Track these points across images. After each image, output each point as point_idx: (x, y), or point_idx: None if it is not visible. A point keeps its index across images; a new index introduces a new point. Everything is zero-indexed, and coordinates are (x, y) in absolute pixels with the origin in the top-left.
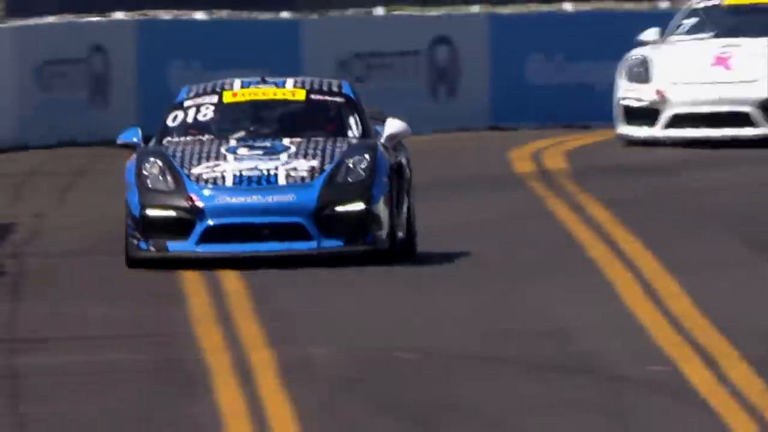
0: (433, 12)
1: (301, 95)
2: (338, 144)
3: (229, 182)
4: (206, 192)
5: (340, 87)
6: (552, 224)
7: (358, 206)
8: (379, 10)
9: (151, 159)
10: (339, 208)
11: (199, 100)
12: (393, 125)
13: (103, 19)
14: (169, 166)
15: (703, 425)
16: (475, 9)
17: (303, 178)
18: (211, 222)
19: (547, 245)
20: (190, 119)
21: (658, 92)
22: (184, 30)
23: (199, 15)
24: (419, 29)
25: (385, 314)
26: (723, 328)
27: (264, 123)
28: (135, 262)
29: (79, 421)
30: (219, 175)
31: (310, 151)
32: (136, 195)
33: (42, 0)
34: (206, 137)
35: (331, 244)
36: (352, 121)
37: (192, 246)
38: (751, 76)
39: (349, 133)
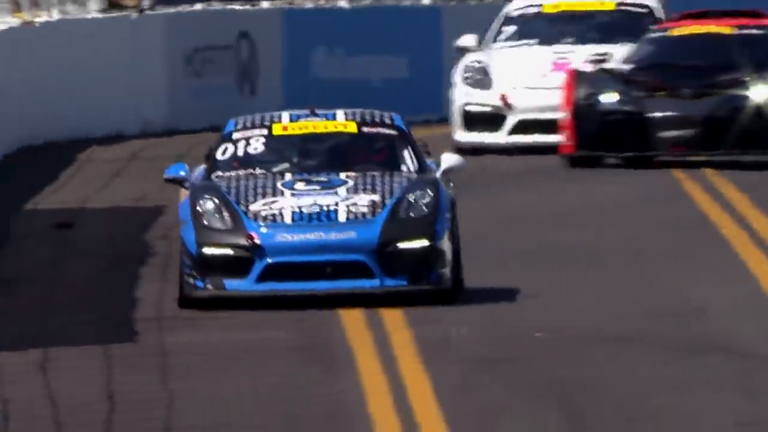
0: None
1: (352, 127)
2: (396, 178)
3: (287, 219)
4: (265, 229)
5: (391, 119)
6: (687, 205)
7: (422, 243)
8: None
9: (206, 195)
10: (402, 245)
11: (248, 133)
12: (450, 159)
13: (251, 7)
14: (225, 203)
15: None
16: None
17: (364, 214)
18: (270, 260)
19: (681, 226)
20: (240, 153)
21: (503, 98)
22: (328, 17)
23: (343, 3)
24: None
25: (520, 295)
26: None
27: (316, 156)
28: (190, 302)
29: (225, 398)
30: (277, 211)
31: (369, 186)
32: (192, 232)
33: None
34: (259, 171)
35: (395, 282)
36: (405, 154)
37: (251, 285)
38: None
39: (404, 167)
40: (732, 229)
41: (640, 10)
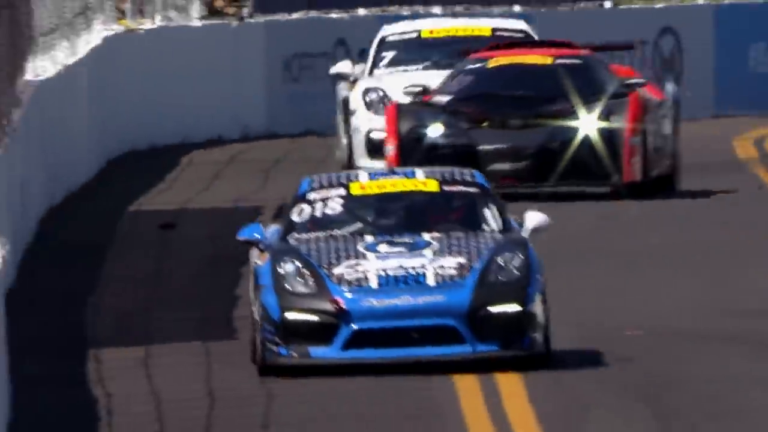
0: (660, 4)
1: (433, 186)
2: (482, 239)
3: (373, 283)
4: (350, 294)
5: (473, 176)
6: None
7: (514, 307)
8: (608, 4)
9: (287, 258)
10: (493, 309)
11: (324, 193)
12: (535, 218)
13: (346, 15)
14: (307, 266)
15: None
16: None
17: (452, 277)
18: (357, 326)
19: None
20: (317, 213)
21: None
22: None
23: (437, 9)
24: (646, 21)
25: (612, 294)
26: None
27: (397, 216)
28: (272, 369)
29: (320, 392)
30: (362, 275)
31: (455, 247)
32: (273, 297)
33: None
34: (338, 233)
35: (486, 348)
36: (488, 212)
37: (337, 352)
38: None
39: (487, 226)
40: None
41: (515, 34)
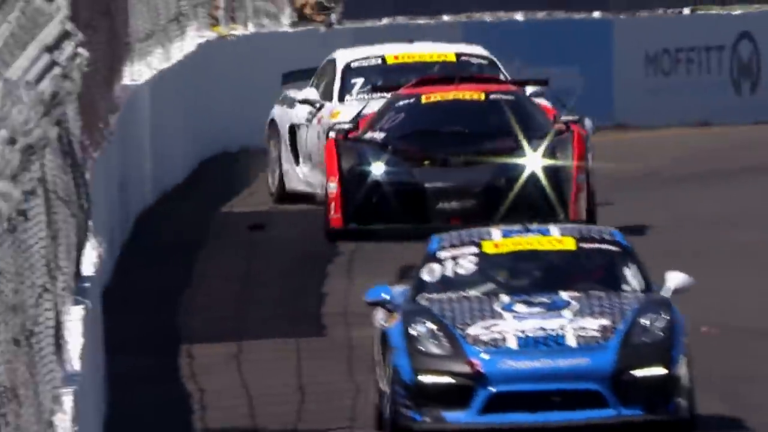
0: (737, 10)
1: (570, 244)
2: (624, 299)
3: (512, 344)
4: (487, 355)
5: (611, 234)
6: None
7: (659, 371)
8: (686, 10)
9: (420, 319)
10: (638, 373)
11: (455, 252)
12: (677, 278)
13: (432, 21)
14: (441, 327)
15: None
16: None
17: (595, 339)
18: (495, 389)
19: None
20: (449, 273)
21: None
22: (505, 30)
23: (518, 16)
24: (724, 26)
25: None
26: None
27: (533, 275)
28: None
29: None
30: (499, 336)
31: (596, 308)
32: (406, 360)
33: (377, 4)
34: (471, 293)
35: (630, 412)
36: (629, 272)
37: (474, 416)
38: None
39: (627, 286)
40: None
41: (481, 60)
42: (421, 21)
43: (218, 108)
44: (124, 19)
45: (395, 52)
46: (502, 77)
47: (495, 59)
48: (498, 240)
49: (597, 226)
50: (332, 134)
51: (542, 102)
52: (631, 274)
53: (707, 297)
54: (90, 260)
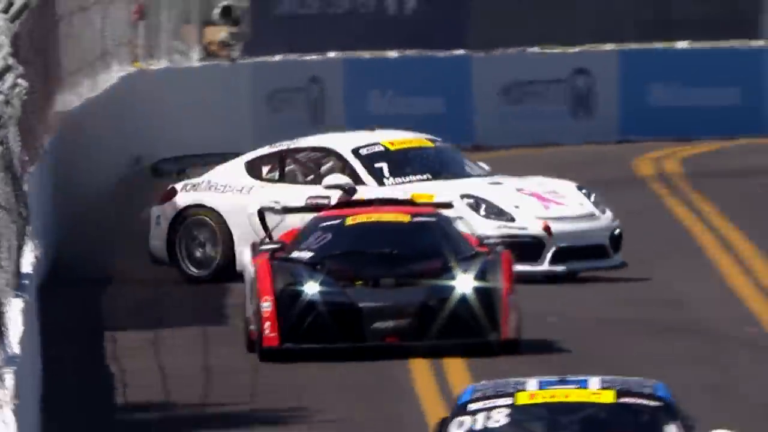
0: (575, 48)
1: (609, 397)
2: None
3: None
4: None
5: (654, 389)
6: (669, 218)
7: None
8: (533, 48)
9: None
10: None
11: (488, 403)
12: None
13: (318, 56)
14: None
15: None
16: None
17: None
18: None
19: (665, 235)
20: (478, 426)
21: None
22: (380, 65)
23: (392, 53)
24: (563, 62)
25: (539, 286)
26: None
27: (569, 430)
28: None
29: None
30: None
31: None
32: None
33: (271, 42)
34: None
35: None
36: (671, 429)
37: None
38: None
39: None
40: (707, 238)
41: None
42: (308, 57)
43: (138, 131)
44: (57, 56)
45: (389, 138)
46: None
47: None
48: (534, 390)
49: (640, 379)
50: (258, 251)
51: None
52: (672, 430)
53: (556, 289)
54: (28, 260)
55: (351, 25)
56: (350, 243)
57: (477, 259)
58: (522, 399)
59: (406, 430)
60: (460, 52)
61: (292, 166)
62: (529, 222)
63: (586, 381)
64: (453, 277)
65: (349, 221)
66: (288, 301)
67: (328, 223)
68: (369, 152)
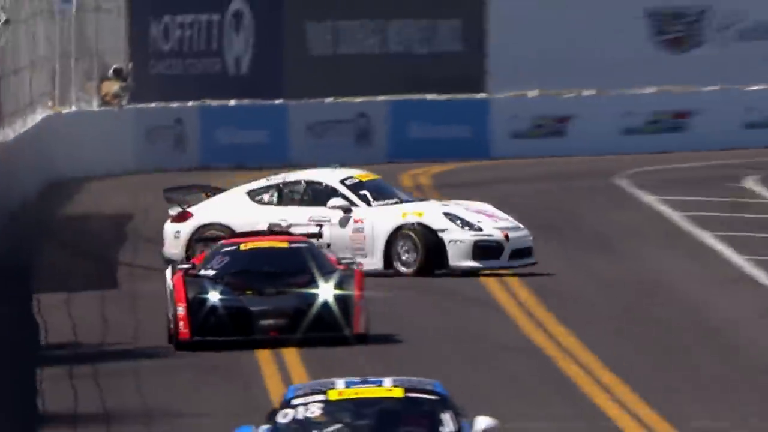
0: (359, 99)
1: (399, 393)
2: None
3: None
4: None
5: (433, 386)
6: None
7: None
8: (330, 99)
9: None
10: None
11: (307, 399)
12: (485, 422)
13: (182, 104)
14: None
15: None
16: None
17: None
18: None
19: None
20: (300, 416)
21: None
22: (224, 111)
23: (231, 102)
24: (351, 108)
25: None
26: None
27: (369, 418)
28: None
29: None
30: None
31: None
32: None
33: (148, 93)
34: None
35: None
36: (446, 416)
37: None
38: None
39: (443, 428)
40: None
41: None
42: (174, 105)
43: (54, 157)
44: None
45: (357, 173)
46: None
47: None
48: (341, 389)
49: (423, 379)
50: (176, 269)
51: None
52: (448, 418)
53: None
54: None
55: (204, 82)
56: (243, 263)
57: (336, 273)
58: (333, 395)
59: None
60: (279, 101)
61: (288, 195)
62: (492, 231)
63: (381, 381)
64: (318, 287)
65: (243, 247)
66: (197, 306)
67: (227, 248)
68: (351, 183)
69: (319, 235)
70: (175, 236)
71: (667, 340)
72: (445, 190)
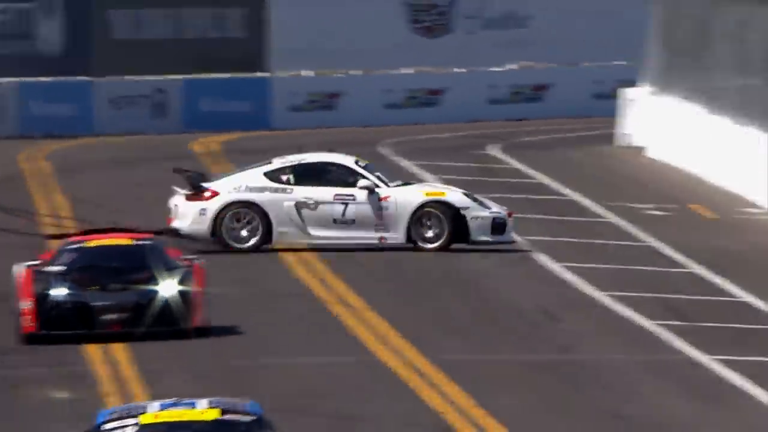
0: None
1: (214, 414)
2: None
3: None
4: None
5: (251, 405)
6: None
7: None
8: (131, 77)
9: None
10: None
11: (119, 423)
12: None
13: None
14: None
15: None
16: (175, 75)
17: None
18: None
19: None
20: None
21: None
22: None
23: (46, 79)
24: (149, 85)
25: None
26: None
27: None
28: None
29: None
30: None
31: None
32: None
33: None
34: None
35: None
36: None
37: None
38: None
39: None
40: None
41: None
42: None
43: None
44: None
45: (355, 157)
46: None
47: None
48: (156, 412)
49: (238, 400)
50: (24, 266)
51: (170, 248)
52: None
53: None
54: None
55: (19, 62)
56: (89, 259)
57: (178, 270)
58: (145, 419)
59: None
60: (85, 78)
61: (305, 175)
62: (499, 209)
63: (194, 403)
64: (158, 283)
65: (88, 244)
66: (43, 300)
67: (75, 246)
68: (363, 165)
69: (175, 232)
70: (200, 213)
71: (424, 288)
72: (232, 155)
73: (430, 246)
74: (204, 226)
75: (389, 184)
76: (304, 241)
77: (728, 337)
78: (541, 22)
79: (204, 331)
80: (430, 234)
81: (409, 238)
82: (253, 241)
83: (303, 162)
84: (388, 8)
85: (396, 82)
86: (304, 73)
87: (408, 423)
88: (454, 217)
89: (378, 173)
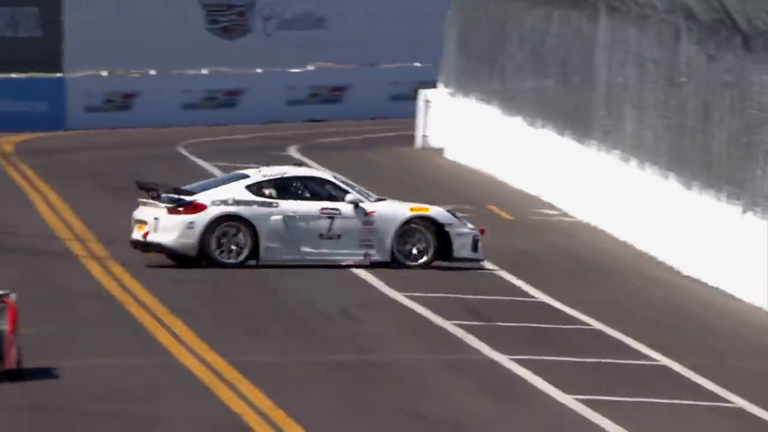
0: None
1: None
2: None
3: None
4: None
5: None
6: (6, 179)
7: None
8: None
9: None
10: None
11: None
12: None
13: None
14: None
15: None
16: None
17: None
18: None
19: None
20: None
21: None
22: None
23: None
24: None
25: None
26: None
27: None
28: None
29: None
30: None
31: None
32: None
33: None
34: None
35: None
36: None
37: None
38: None
39: None
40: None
41: None
42: None
43: None
44: None
45: (332, 173)
46: None
47: None
48: None
49: None
50: None
51: None
52: None
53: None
54: None
55: None
56: None
57: None
58: None
59: None
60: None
61: (287, 189)
62: (473, 226)
63: None
64: None
65: None
66: None
67: None
68: (340, 179)
69: None
70: (188, 227)
71: (224, 290)
72: (26, 156)
73: (413, 263)
74: (192, 240)
75: (370, 198)
76: (290, 257)
77: (524, 336)
78: (340, 23)
79: (14, 374)
80: (414, 251)
81: (392, 254)
82: (240, 257)
83: (285, 176)
84: (186, 8)
85: (194, 83)
86: (100, 73)
87: (208, 424)
88: (437, 233)
89: (359, 188)
